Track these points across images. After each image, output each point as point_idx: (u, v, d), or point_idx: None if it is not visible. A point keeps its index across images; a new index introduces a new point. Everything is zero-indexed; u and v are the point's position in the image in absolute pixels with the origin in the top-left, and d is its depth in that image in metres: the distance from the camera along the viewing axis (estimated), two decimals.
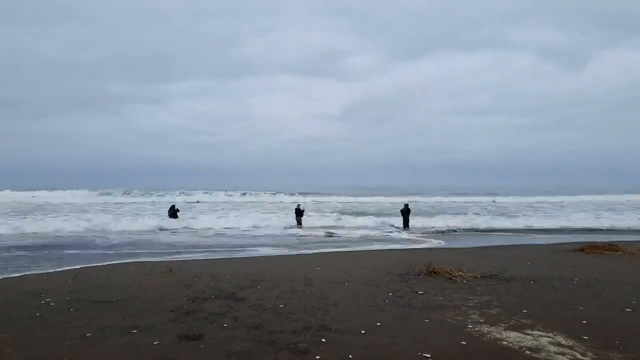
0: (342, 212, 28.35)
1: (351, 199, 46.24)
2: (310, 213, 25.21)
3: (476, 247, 14.05)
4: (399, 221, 21.58)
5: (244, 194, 52.85)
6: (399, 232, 19.90)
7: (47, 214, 26.17)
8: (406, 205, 21.54)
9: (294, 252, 12.87)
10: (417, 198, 46.65)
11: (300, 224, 21.61)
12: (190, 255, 12.10)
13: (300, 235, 18.04)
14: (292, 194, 51.21)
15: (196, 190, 58.19)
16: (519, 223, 22.43)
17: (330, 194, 53.96)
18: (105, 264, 10.38)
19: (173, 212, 22.25)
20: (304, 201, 32.14)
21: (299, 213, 21.95)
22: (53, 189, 55.25)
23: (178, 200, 37.77)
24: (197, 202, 41.92)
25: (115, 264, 10.39)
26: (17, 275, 8.87)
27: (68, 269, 9.47)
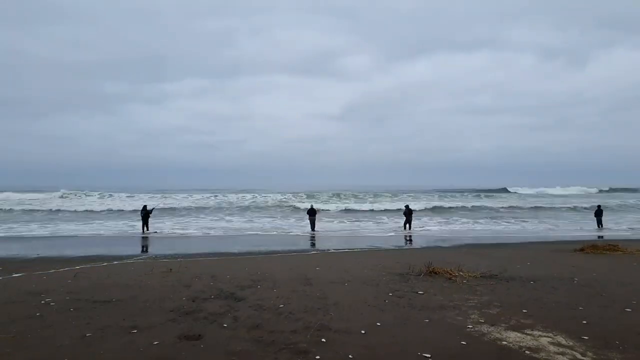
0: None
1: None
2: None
3: (476, 247, 14.04)
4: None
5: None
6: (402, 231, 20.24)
7: None
8: (407, 207, 21.80)
9: (294, 252, 12.87)
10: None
11: (314, 225, 20.06)
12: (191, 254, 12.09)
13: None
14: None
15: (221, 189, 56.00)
16: None
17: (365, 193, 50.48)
18: (105, 264, 10.39)
19: (145, 214, 19.91)
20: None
21: (312, 212, 20.22)
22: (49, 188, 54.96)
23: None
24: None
25: (115, 264, 10.40)
26: (17, 275, 8.87)
27: (68, 269, 9.47)
